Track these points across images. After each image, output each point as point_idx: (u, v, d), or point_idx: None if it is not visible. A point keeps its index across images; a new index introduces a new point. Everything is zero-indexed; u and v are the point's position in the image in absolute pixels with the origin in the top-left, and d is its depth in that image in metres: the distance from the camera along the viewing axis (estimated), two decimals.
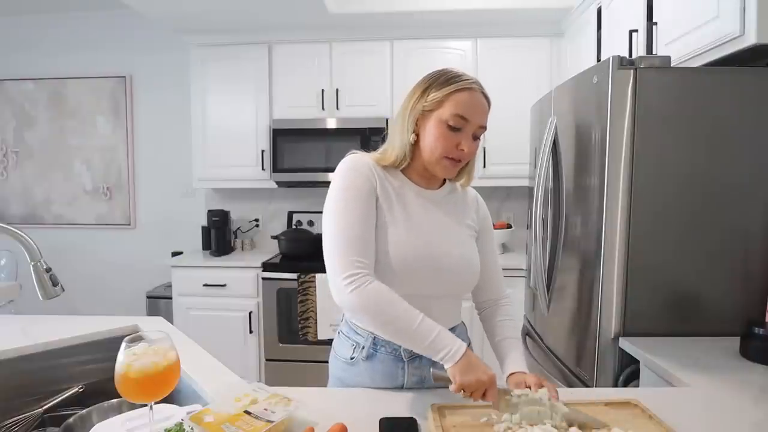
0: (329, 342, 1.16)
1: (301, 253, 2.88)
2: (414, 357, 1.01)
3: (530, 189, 2.03)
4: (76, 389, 1.27)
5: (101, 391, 1.21)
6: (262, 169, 2.97)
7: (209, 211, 3.06)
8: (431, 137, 0.96)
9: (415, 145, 1.00)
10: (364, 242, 0.93)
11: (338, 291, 0.91)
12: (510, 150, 2.71)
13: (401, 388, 1.03)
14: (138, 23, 3.24)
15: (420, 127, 0.99)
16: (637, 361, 1.29)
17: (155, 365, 0.77)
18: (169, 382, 0.80)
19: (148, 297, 3.10)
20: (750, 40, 1.20)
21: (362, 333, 1.03)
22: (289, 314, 2.71)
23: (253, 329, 2.75)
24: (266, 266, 2.75)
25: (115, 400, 1.09)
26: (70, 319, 1.48)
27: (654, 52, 1.64)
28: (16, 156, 3.52)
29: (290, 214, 3.23)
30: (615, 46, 1.93)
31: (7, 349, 1.23)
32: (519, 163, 2.53)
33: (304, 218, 3.21)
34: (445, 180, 1.08)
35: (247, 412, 0.81)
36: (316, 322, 2.64)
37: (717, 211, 1.34)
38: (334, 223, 0.94)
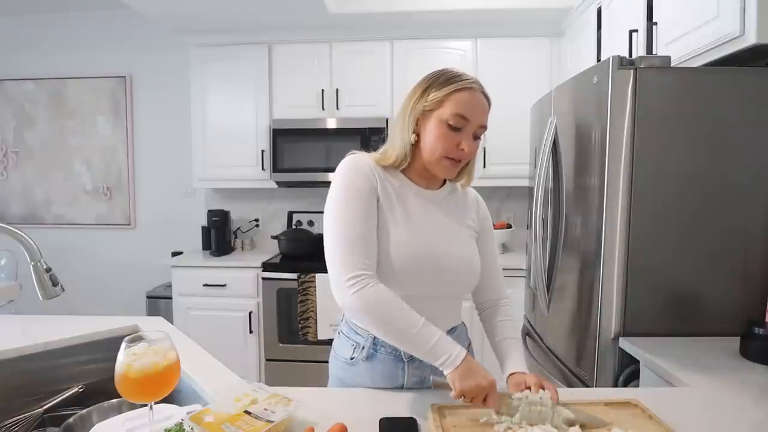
0: (329, 342, 1.16)
1: (301, 253, 2.88)
2: (414, 357, 1.01)
3: (530, 189, 2.03)
4: (76, 389, 1.27)
5: (101, 391, 1.21)
6: (262, 169, 2.97)
7: (209, 211, 3.06)
8: (431, 137, 0.96)
9: (416, 145, 1.00)
10: (365, 242, 0.92)
11: (340, 292, 0.91)
12: (510, 150, 2.71)
13: (401, 388, 1.03)
14: (138, 23, 3.24)
15: (420, 127, 0.99)
16: (637, 361, 1.29)
17: (155, 365, 0.78)
18: (169, 382, 0.80)
19: (148, 297, 3.10)
20: (750, 40, 1.20)
21: (362, 333, 1.03)
22: (289, 314, 2.71)
23: (253, 329, 2.75)
24: (266, 266, 2.75)
25: (115, 400, 1.09)
26: (70, 319, 1.48)
27: (654, 52, 1.64)
28: (16, 156, 3.52)
29: (290, 214, 3.23)
30: (615, 46, 1.93)
31: (7, 349, 1.23)
32: (519, 163, 2.53)
33: (304, 218, 3.21)
34: (445, 180, 1.08)
35: (247, 412, 0.81)
36: (316, 322, 2.64)
37: (717, 211, 1.34)
38: (335, 224, 0.93)
